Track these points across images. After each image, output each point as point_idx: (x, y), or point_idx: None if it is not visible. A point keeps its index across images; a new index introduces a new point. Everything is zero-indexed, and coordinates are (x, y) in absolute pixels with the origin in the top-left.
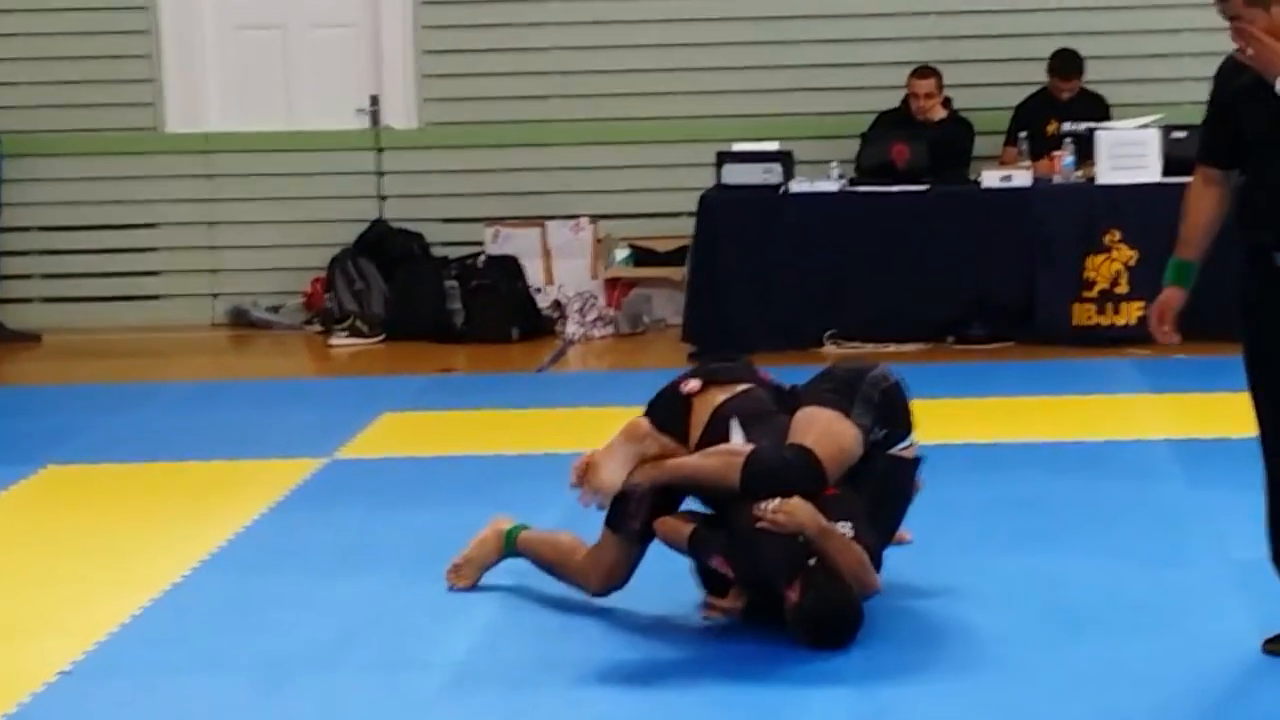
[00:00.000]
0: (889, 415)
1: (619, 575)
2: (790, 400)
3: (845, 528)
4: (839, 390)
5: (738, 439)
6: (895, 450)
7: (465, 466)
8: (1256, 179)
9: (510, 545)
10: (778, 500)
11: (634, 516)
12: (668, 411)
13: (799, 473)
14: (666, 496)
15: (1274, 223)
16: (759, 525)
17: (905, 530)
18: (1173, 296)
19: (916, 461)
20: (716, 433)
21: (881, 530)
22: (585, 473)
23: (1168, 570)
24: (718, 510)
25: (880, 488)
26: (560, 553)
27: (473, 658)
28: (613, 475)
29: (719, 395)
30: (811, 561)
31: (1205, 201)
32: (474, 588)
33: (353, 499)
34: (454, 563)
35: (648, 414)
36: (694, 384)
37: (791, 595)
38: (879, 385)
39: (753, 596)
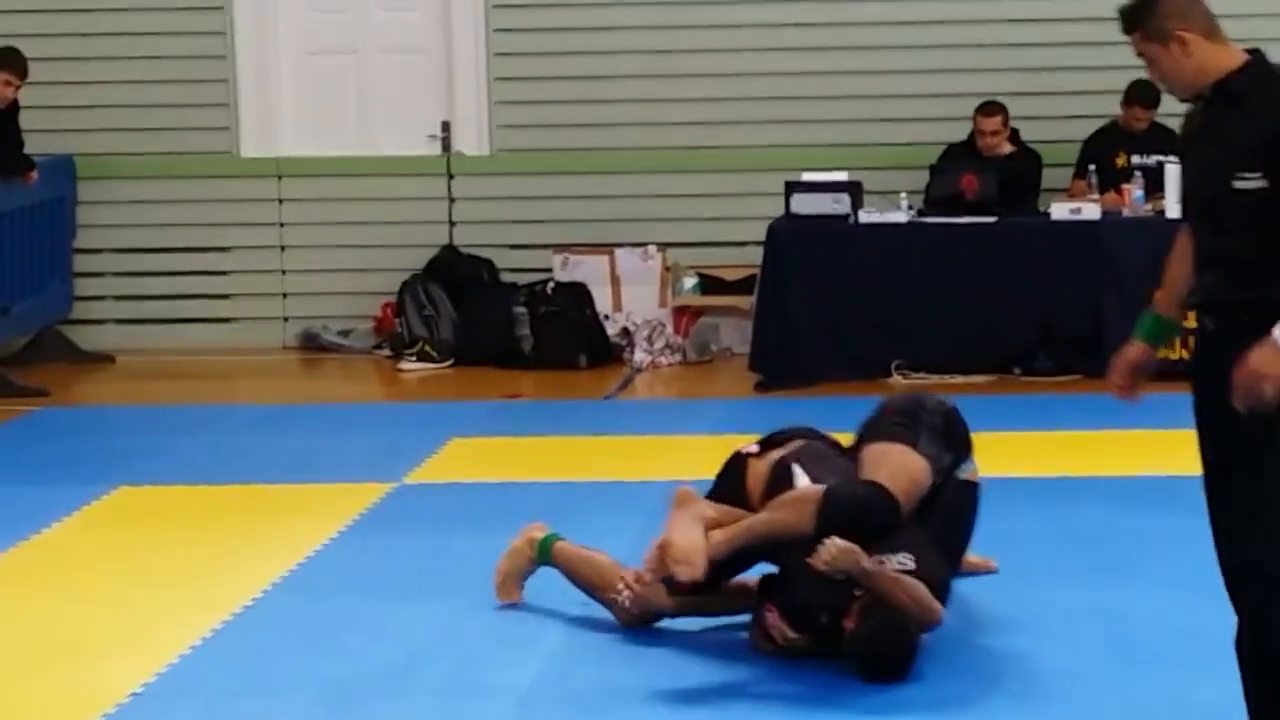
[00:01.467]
0: (952, 440)
1: (656, 619)
2: (849, 450)
3: (906, 560)
4: (903, 423)
5: (803, 482)
6: (958, 474)
7: (533, 493)
8: (1190, 236)
9: (545, 554)
10: (826, 543)
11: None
12: (726, 477)
13: (876, 509)
14: (737, 561)
15: (1199, 284)
16: (814, 567)
17: (990, 559)
18: (1138, 353)
19: (977, 485)
20: (780, 482)
21: (950, 555)
22: (662, 556)
23: (1227, 603)
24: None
25: (946, 514)
26: (596, 573)
27: (539, 684)
28: (691, 539)
29: (776, 453)
30: (858, 593)
31: (1181, 255)
32: (536, 609)
33: (421, 524)
34: (495, 582)
35: (708, 496)
36: (752, 448)
37: (849, 625)
38: (940, 412)
39: (810, 639)
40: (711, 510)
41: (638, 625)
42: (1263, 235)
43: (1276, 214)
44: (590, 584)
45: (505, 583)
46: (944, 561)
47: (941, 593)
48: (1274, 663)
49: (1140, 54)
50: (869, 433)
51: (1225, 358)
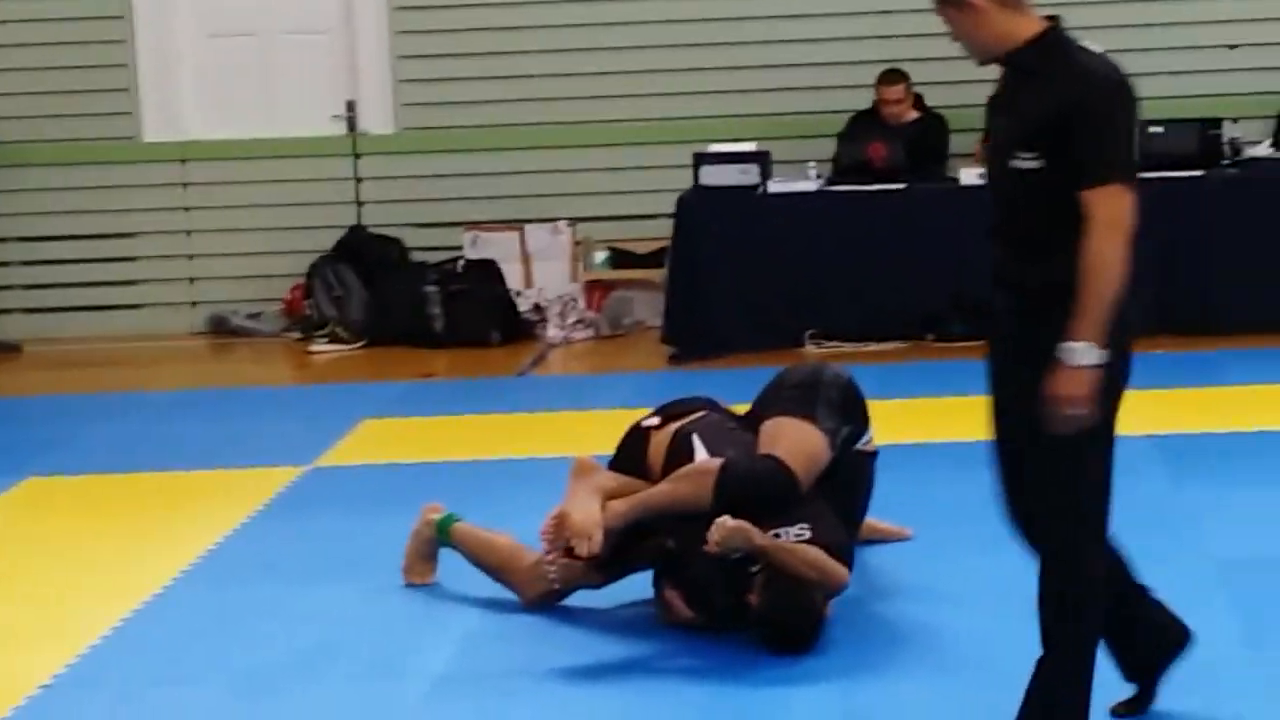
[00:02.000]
0: (850, 413)
1: (561, 598)
2: (750, 420)
3: (802, 530)
4: (801, 396)
5: (702, 455)
6: (857, 446)
7: (446, 472)
8: None
9: (443, 534)
10: (716, 524)
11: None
12: (627, 449)
13: (772, 483)
14: (635, 535)
15: (992, 257)
16: (704, 549)
17: (906, 527)
18: None
19: (875, 455)
20: (680, 454)
21: (850, 523)
22: (557, 527)
23: (1149, 568)
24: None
25: (845, 485)
26: (500, 557)
27: (452, 666)
28: (587, 512)
29: (676, 425)
30: (754, 569)
31: None
32: (450, 591)
33: (333, 507)
34: (403, 565)
35: (609, 466)
36: (654, 419)
37: (752, 599)
38: (837, 384)
39: (710, 619)
40: (611, 481)
41: (540, 605)
42: (1043, 215)
43: (1055, 194)
44: (492, 567)
45: (412, 565)
46: (843, 528)
47: (843, 557)
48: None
49: (939, 17)
50: (766, 405)
51: (1014, 335)
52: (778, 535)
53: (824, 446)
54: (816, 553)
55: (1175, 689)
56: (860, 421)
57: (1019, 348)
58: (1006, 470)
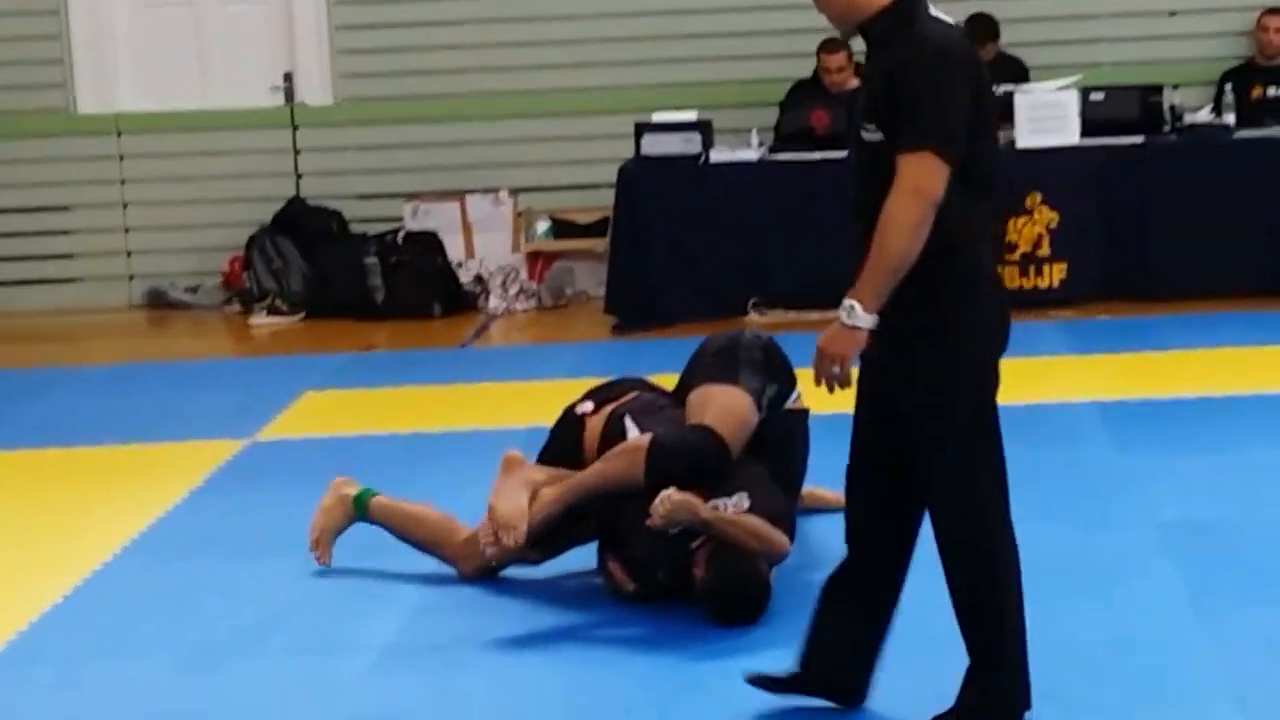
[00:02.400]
0: (774, 372)
1: (498, 571)
2: (678, 394)
3: (741, 499)
4: (722, 362)
5: (634, 434)
6: (787, 405)
7: (389, 445)
8: None
9: (361, 510)
10: (660, 498)
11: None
12: (561, 434)
13: (704, 453)
14: (571, 516)
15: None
16: (647, 524)
17: (835, 492)
18: None
19: (806, 413)
20: (614, 436)
21: (787, 486)
22: (489, 525)
23: (1094, 533)
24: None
25: (780, 447)
26: (431, 532)
27: (400, 638)
28: (513, 505)
29: (609, 408)
30: (695, 543)
31: None
32: (393, 564)
33: (275, 481)
34: (310, 539)
35: (542, 453)
36: (587, 405)
37: (697, 573)
38: (758, 345)
39: (653, 592)
40: (540, 474)
41: (479, 577)
42: (888, 189)
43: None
44: (424, 542)
45: (322, 539)
46: (782, 495)
47: (784, 524)
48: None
49: None
50: (690, 375)
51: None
52: (717, 507)
53: (750, 408)
54: (759, 522)
55: (1122, 651)
56: (785, 380)
57: (880, 330)
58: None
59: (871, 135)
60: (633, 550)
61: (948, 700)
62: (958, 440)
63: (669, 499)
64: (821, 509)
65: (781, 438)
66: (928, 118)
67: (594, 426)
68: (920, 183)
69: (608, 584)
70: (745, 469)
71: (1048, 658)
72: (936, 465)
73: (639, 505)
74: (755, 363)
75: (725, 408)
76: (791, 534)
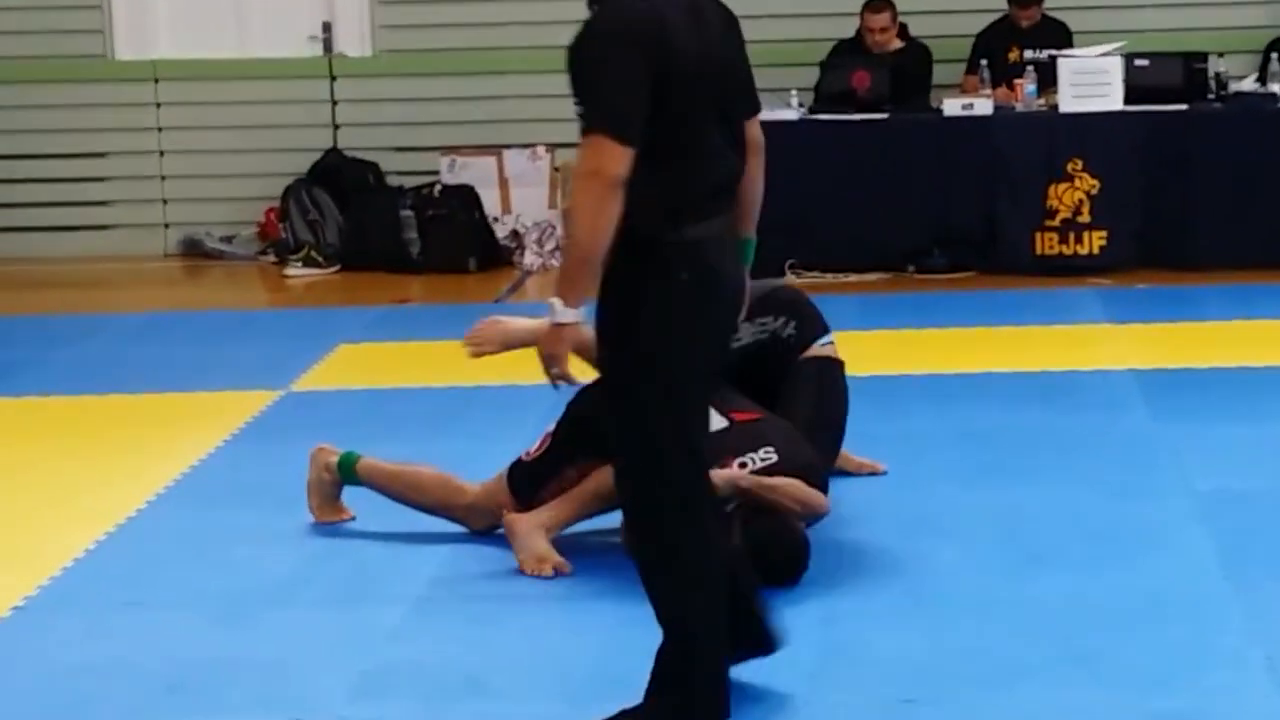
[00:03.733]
0: (789, 309)
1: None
2: None
3: (768, 454)
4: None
5: None
6: (815, 349)
7: (422, 398)
8: None
9: (348, 474)
10: None
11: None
12: (584, 406)
13: None
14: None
15: None
16: None
17: (879, 462)
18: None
19: (839, 363)
20: None
21: (832, 435)
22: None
23: (1130, 502)
24: None
25: (816, 390)
26: (430, 495)
27: (432, 591)
28: (542, 552)
29: None
30: (729, 507)
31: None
32: (422, 516)
33: (309, 432)
34: (311, 507)
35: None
36: None
37: (731, 539)
38: (762, 287)
39: None
40: (546, 516)
41: (489, 531)
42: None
43: None
44: (427, 506)
45: (323, 507)
46: (809, 445)
47: (815, 479)
48: None
49: None
50: None
51: None
52: (744, 463)
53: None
54: (798, 485)
55: (1155, 618)
56: (809, 320)
57: None
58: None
59: (579, 111)
60: None
61: None
62: (644, 416)
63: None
64: (853, 474)
65: (816, 381)
66: (596, 100)
67: None
68: (595, 166)
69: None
70: (769, 424)
71: (1082, 623)
72: (618, 457)
73: None
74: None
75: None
76: (823, 485)
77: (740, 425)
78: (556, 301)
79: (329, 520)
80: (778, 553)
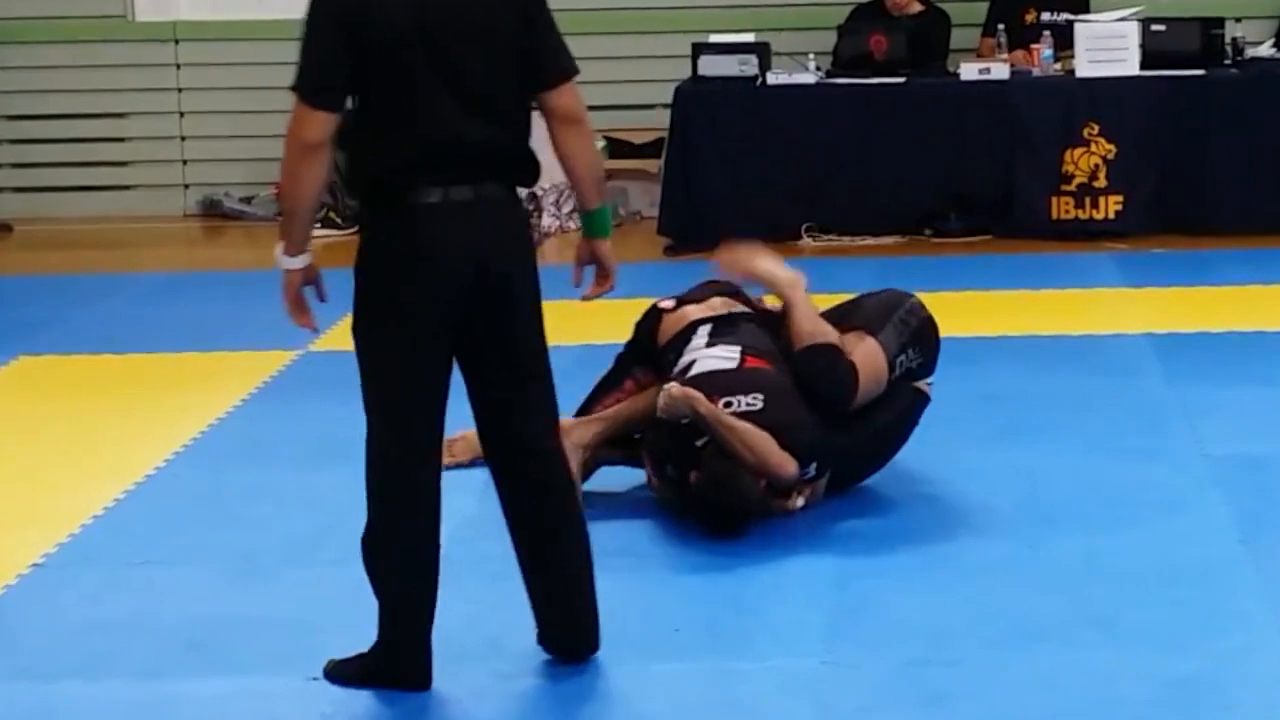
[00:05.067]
0: (923, 346)
1: None
2: (769, 317)
3: (755, 400)
4: (876, 314)
5: (700, 343)
6: (917, 383)
7: None
8: None
9: None
10: (663, 390)
11: (601, 403)
12: (642, 328)
13: (833, 376)
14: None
15: None
16: (657, 414)
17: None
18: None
19: (926, 399)
20: (679, 341)
21: (880, 457)
22: None
23: (1145, 465)
24: None
25: (898, 419)
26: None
27: (449, 550)
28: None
29: (690, 309)
30: (700, 443)
31: None
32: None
33: (327, 392)
34: (449, 439)
35: (624, 351)
36: (669, 302)
37: (694, 475)
38: (916, 314)
39: (670, 492)
40: (592, 430)
41: None
42: None
43: None
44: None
45: (457, 444)
46: (807, 415)
47: (795, 444)
48: None
49: None
50: (843, 318)
51: None
52: (728, 403)
53: (885, 367)
54: (761, 436)
55: (1169, 581)
56: (928, 358)
57: None
58: None
59: None
60: (655, 440)
61: None
62: (364, 387)
63: (669, 390)
64: None
65: (903, 412)
66: (298, 67)
67: (669, 323)
68: (292, 130)
69: (649, 483)
70: (774, 375)
71: (1097, 586)
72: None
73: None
74: (908, 327)
75: (866, 354)
76: (803, 456)
77: (745, 370)
78: (277, 249)
79: (450, 460)
80: (719, 498)
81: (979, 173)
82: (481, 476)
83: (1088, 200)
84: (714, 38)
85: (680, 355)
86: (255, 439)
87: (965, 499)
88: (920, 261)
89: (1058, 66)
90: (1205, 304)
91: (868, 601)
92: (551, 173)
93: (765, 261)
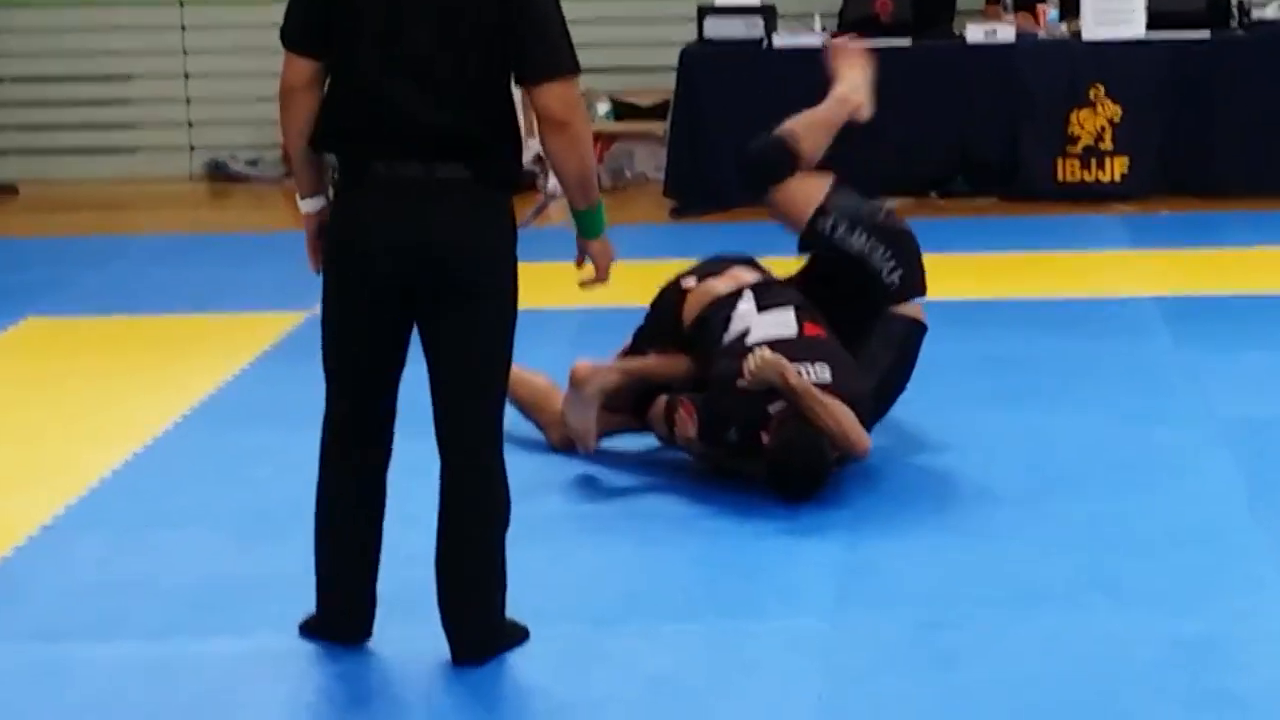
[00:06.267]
0: (903, 258)
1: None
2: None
3: (822, 370)
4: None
5: (747, 307)
6: (908, 307)
7: None
8: None
9: None
10: (751, 355)
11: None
12: (662, 307)
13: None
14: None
15: None
16: (738, 384)
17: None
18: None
19: (924, 329)
20: (726, 306)
21: (888, 395)
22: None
23: (1152, 427)
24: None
25: (896, 356)
26: (535, 395)
27: None
28: (582, 422)
29: (717, 285)
30: (773, 408)
31: None
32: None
33: None
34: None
35: (639, 328)
36: (690, 280)
37: (765, 437)
38: (891, 219)
39: (717, 454)
40: (614, 375)
41: (565, 449)
42: None
43: None
44: (526, 403)
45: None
46: (868, 383)
47: (864, 410)
48: None
49: None
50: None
51: None
52: (801, 373)
53: (818, 200)
54: (845, 411)
55: (1177, 544)
56: (901, 264)
57: None
58: None
59: None
60: (714, 404)
61: None
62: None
63: (761, 355)
64: None
65: (900, 346)
66: (285, 11)
67: (693, 299)
68: (281, 74)
69: (663, 431)
70: (834, 345)
71: (1104, 548)
72: None
73: (731, 362)
74: (871, 216)
75: (808, 181)
76: (868, 422)
77: (807, 338)
78: (297, 195)
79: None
80: (798, 462)
81: (985, 135)
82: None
83: (1094, 162)
84: (719, 0)
85: (728, 323)
86: (263, 401)
87: (972, 462)
88: (926, 224)
89: (1063, 28)
90: (1212, 266)
91: (876, 563)
92: None
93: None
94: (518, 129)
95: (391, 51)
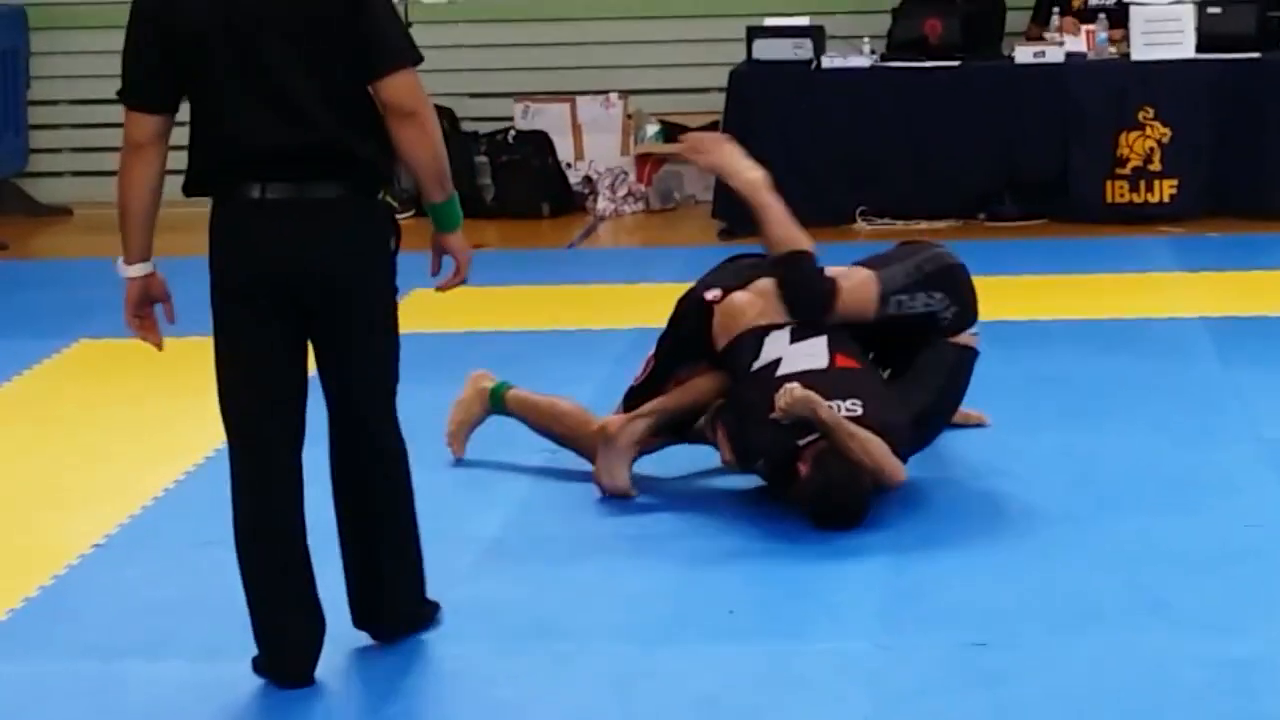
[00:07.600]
0: (948, 288)
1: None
2: None
3: (853, 406)
4: (886, 256)
5: (780, 335)
6: (963, 336)
7: (495, 342)
8: None
9: (498, 403)
10: (784, 390)
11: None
12: (687, 322)
13: (811, 289)
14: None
15: None
16: (771, 416)
17: (984, 413)
18: None
19: (975, 353)
20: (759, 335)
21: (935, 420)
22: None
23: (1199, 448)
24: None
25: (947, 378)
26: (565, 424)
27: (505, 533)
28: (619, 479)
29: (744, 306)
30: (803, 441)
31: None
32: (499, 458)
33: None
34: (447, 432)
35: (662, 340)
36: (714, 292)
37: (802, 469)
38: (940, 260)
39: (746, 469)
40: (642, 426)
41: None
42: None
43: None
44: (561, 436)
45: (458, 433)
46: (899, 408)
47: (898, 440)
48: None
49: None
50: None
51: None
52: (832, 409)
53: (874, 297)
54: (878, 444)
55: (1226, 564)
56: (959, 303)
57: None
58: None
59: None
60: (744, 434)
61: None
62: None
63: (792, 391)
64: (958, 425)
65: (952, 372)
66: (121, 70)
67: (725, 322)
68: (124, 131)
69: (713, 438)
70: (867, 375)
71: (1152, 568)
72: None
73: (765, 392)
74: (921, 271)
75: (854, 278)
76: (901, 448)
77: (838, 370)
78: (119, 261)
79: (455, 445)
80: (839, 496)
81: (1033, 156)
82: (535, 458)
83: (1142, 184)
84: (768, 21)
85: (760, 350)
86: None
87: (1020, 482)
88: (975, 245)
89: (1112, 50)
90: (1260, 287)
91: (923, 584)
92: (606, 157)
93: (733, 156)
94: (387, 135)
95: (248, 81)
